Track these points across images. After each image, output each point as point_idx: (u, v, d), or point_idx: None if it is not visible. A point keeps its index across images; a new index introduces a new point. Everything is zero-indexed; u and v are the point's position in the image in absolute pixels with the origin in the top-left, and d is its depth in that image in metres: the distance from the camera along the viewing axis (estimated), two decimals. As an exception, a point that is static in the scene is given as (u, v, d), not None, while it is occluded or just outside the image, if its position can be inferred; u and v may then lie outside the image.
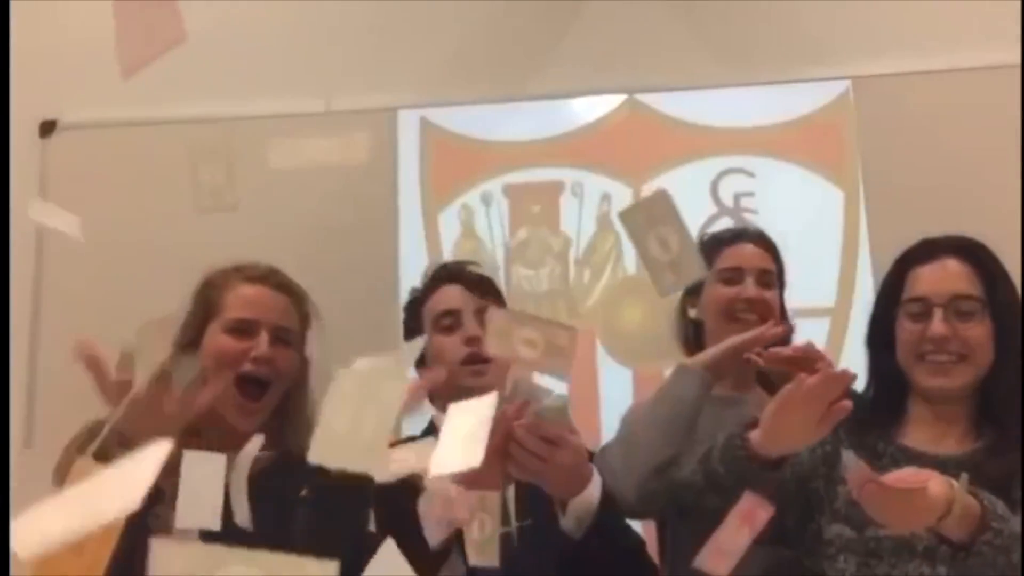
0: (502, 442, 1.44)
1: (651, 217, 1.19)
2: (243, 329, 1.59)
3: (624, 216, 1.17)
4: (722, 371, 1.73)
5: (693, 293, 1.87)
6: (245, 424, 1.61)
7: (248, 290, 1.62)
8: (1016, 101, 2.45)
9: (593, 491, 1.48)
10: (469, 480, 1.44)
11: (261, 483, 1.59)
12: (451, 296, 1.75)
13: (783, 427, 1.37)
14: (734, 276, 1.83)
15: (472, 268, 1.82)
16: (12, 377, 2.42)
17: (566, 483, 1.47)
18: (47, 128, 2.75)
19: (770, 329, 1.71)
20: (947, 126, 2.56)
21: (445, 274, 1.82)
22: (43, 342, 2.61)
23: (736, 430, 1.47)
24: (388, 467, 1.14)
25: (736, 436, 1.45)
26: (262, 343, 1.59)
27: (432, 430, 1.70)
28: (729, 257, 1.85)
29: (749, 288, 1.81)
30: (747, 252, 1.86)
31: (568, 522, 1.48)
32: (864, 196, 2.59)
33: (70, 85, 2.79)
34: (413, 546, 1.23)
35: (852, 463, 1.26)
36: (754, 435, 1.42)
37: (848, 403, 1.33)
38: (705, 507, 1.51)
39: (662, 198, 1.16)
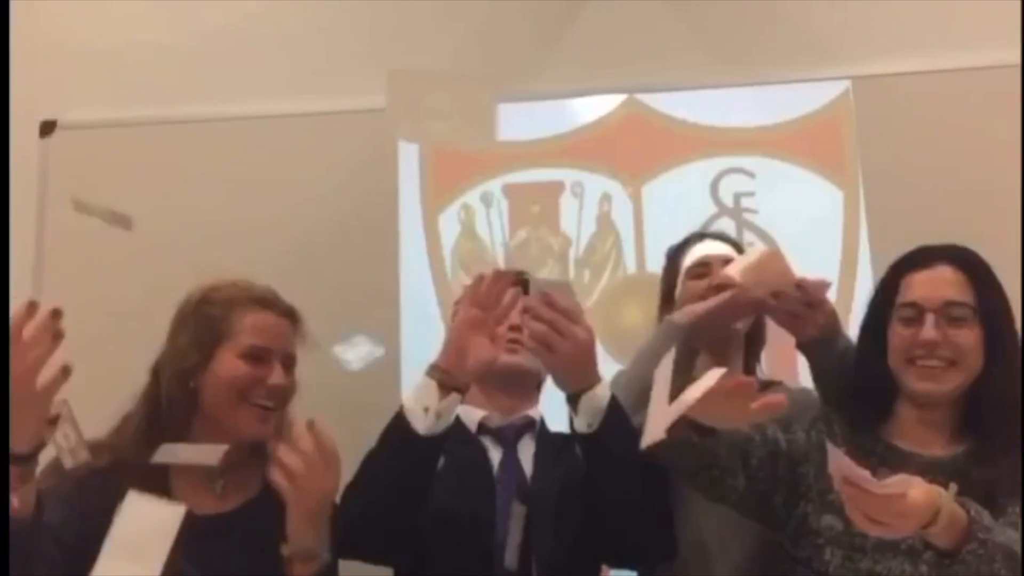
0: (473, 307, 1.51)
1: None
2: (257, 356, 1.60)
3: None
4: (708, 328, 1.73)
5: (668, 298, 1.93)
6: (263, 430, 1.62)
7: (262, 317, 1.63)
8: (1016, 101, 2.46)
9: (604, 391, 1.52)
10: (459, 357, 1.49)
11: (244, 518, 1.59)
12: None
13: (708, 408, 1.36)
14: (703, 271, 1.87)
15: (522, 274, 1.85)
16: (12, 377, 2.42)
17: (580, 367, 1.50)
18: (47, 128, 2.75)
19: (735, 292, 1.71)
20: (947, 126, 2.56)
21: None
22: (43, 342, 2.61)
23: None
24: None
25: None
26: (277, 373, 1.62)
27: (456, 423, 1.71)
28: (695, 254, 1.91)
29: (718, 277, 1.84)
30: (710, 247, 1.92)
31: (580, 422, 1.52)
32: (864, 196, 2.59)
33: (70, 85, 2.80)
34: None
35: (836, 458, 1.27)
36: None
37: (778, 398, 1.34)
38: (668, 462, 1.52)
39: None
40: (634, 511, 1.53)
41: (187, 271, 1.71)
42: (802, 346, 1.79)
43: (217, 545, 1.54)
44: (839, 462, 1.26)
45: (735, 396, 1.34)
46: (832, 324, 1.75)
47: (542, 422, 1.75)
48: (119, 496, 1.53)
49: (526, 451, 1.69)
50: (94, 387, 1.65)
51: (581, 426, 1.51)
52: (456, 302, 1.89)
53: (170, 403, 1.59)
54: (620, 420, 1.53)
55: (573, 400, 1.52)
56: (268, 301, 1.66)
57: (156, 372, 1.64)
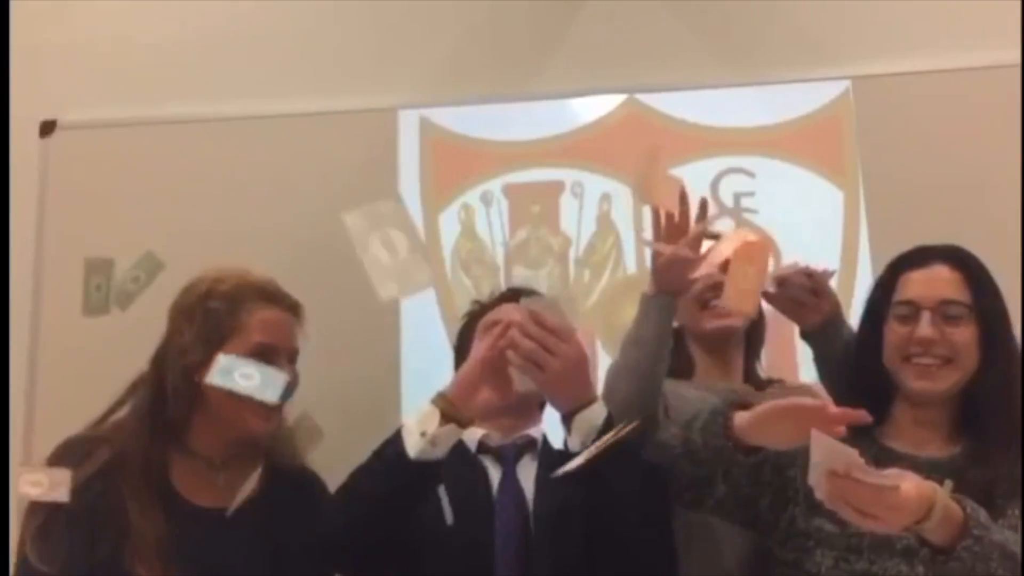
0: (492, 351, 1.50)
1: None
2: (265, 352, 1.60)
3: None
4: (669, 284, 1.70)
5: None
6: (268, 426, 1.63)
7: (270, 314, 1.64)
8: (1016, 101, 2.46)
9: (598, 409, 1.51)
10: (467, 393, 1.48)
11: (246, 513, 1.60)
12: (506, 311, 1.76)
13: (773, 427, 1.38)
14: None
15: (535, 293, 1.85)
16: (12, 377, 2.42)
17: (572, 385, 1.50)
18: (47, 128, 2.75)
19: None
20: (947, 126, 2.56)
21: (509, 294, 1.86)
22: (43, 342, 2.61)
23: (721, 407, 1.48)
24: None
25: (719, 413, 1.46)
26: (284, 370, 1.62)
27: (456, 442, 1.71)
28: None
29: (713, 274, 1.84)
30: (706, 246, 1.91)
31: (573, 441, 1.51)
32: (864, 196, 2.58)
33: (70, 85, 2.80)
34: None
35: (822, 443, 1.27)
36: (739, 417, 1.43)
37: (842, 430, 1.34)
38: (680, 473, 1.52)
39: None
40: (632, 532, 1.51)
41: (187, 271, 1.72)
42: (805, 334, 1.79)
43: (219, 539, 1.54)
44: (829, 447, 1.25)
45: (791, 417, 1.34)
46: (835, 311, 1.76)
47: (544, 441, 1.73)
48: (123, 493, 1.53)
49: (527, 471, 1.67)
50: (94, 385, 1.66)
51: (575, 446, 1.50)
52: (465, 315, 1.89)
53: (175, 397, 1.59)
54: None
55: (567, 419, 1.51)
56: (273, 296, 1.66)
57: (158, 365, 1.63)
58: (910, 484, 1.26)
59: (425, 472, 1.47)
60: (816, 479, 1.26)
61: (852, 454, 1.24)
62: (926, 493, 1.27)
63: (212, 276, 1.67)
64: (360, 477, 1.52)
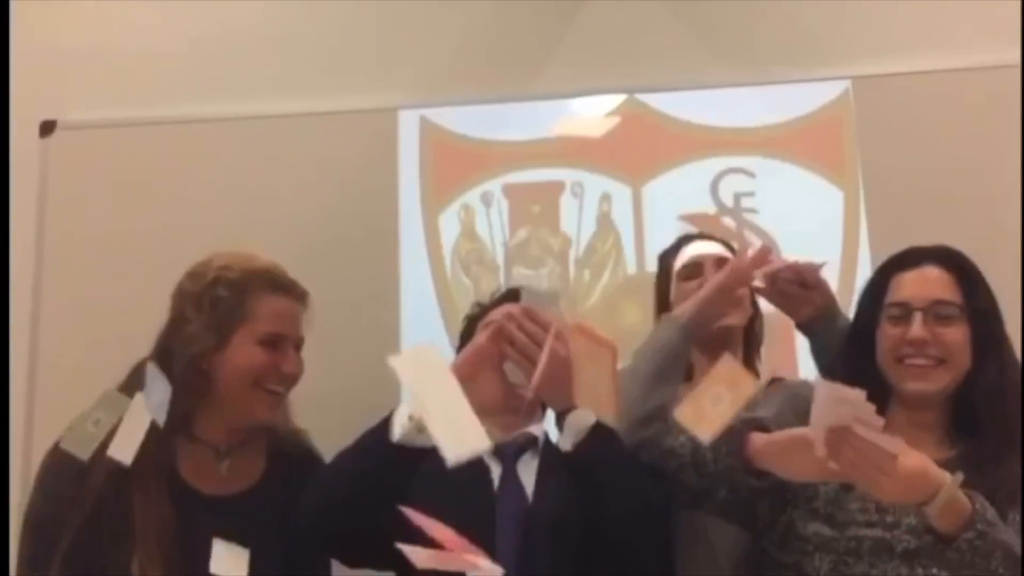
0: (493, 343, 1.49)
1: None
2: (273, 342, 1.60)
3: None
4: (706, 319, 1.72)
5: (663, 302, 1.95)
6: (272, 415, 1.64)
7: (279, 303, 1.63)
8: (1016, 101, 2.46)
9: (590, 411, 1.51)
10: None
11: (249, 502, 1.60)
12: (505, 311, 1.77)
13: (789, 456, 1.36)
14: (693, 272, 1.90)
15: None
16: (12, 377, 2.42)
17: (561, 384, 1.49)
18: (47, 128, 2.75)
19: (740, 262, 1.72)
20: (947, 126, 2.56)
21: (510, 295, 1.85)
22: (43, 342, 2.61)
23: (740, 426, 1.47)
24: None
25: (737, 433, 1.45)
26: (291, 360, 1.63)
27: None
28: (686, 255, 1.93)
29: (709, 275, 1.85)
30: (701, 247, 1.93)
31: (564, 441, 1.51)
32: (864, 196, 2.59)
33: (70, 85, 2.80)
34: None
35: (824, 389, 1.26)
36: (754, 439, 1.42)
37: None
38: (683, 482, 1.52)
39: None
40: (623, 533, 1.51)
41: (187, 270, 1.71)
42: (801, 326, 1.80)
43: (223, 526, 1.53)
44: (836, 395, 1.25)
45: (808, 449, 1.31)
46: (830, 304, 1.76)
47: (546, 438, 1.72)
48: (130, 489, 1.52)
49: (528, 468, 1.66)
50: (95, 386, 1.65)
51: (565, 445, 1.51)
52: (465, 317, 1.89)
53: (182, 385, 1.57)
54: (604, 441, 1.51)
55: (559, 419, 1.52)
56: (281, 283, 1.66)
57: (163, 352, 1.62)
58: (913, 460, 1.26)
59: (405, 458, 1.45)
60: (816, 433, 1.26)
61: (859, 396, 1.23)
62: (932, 476, 1.26)
63: (219, 263, 1.65)
64: (339, 460, 1.52)
